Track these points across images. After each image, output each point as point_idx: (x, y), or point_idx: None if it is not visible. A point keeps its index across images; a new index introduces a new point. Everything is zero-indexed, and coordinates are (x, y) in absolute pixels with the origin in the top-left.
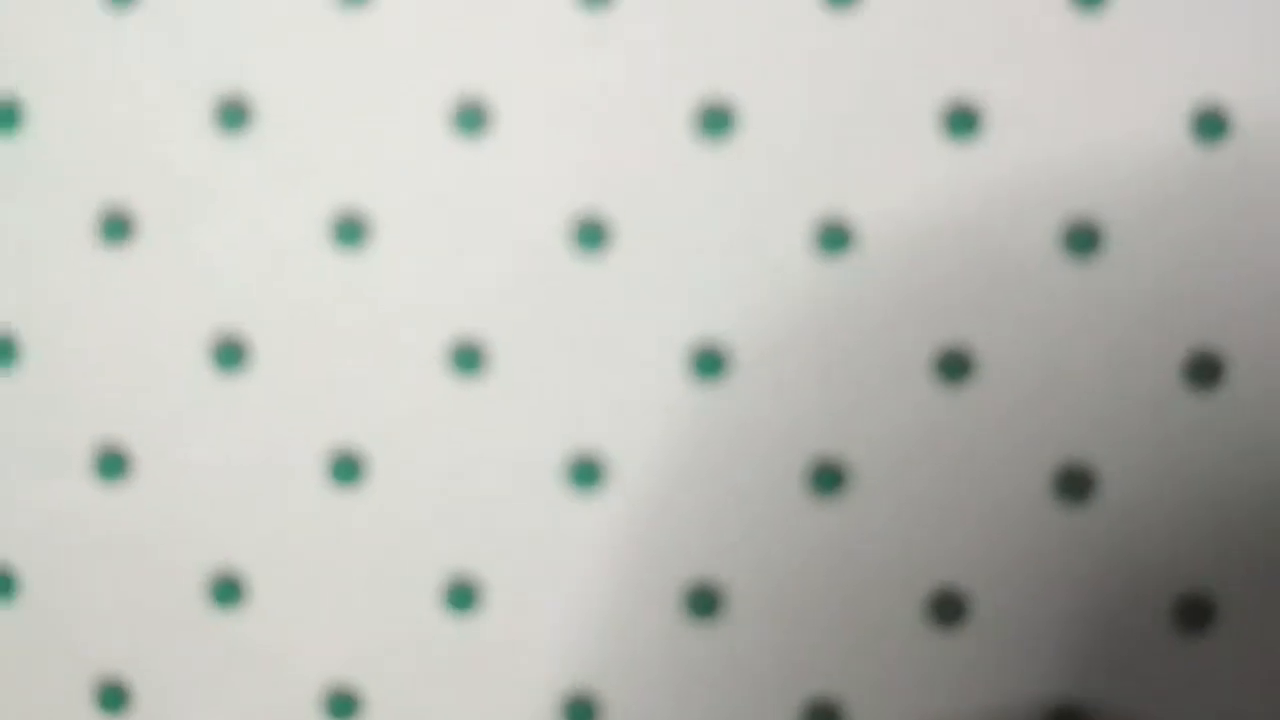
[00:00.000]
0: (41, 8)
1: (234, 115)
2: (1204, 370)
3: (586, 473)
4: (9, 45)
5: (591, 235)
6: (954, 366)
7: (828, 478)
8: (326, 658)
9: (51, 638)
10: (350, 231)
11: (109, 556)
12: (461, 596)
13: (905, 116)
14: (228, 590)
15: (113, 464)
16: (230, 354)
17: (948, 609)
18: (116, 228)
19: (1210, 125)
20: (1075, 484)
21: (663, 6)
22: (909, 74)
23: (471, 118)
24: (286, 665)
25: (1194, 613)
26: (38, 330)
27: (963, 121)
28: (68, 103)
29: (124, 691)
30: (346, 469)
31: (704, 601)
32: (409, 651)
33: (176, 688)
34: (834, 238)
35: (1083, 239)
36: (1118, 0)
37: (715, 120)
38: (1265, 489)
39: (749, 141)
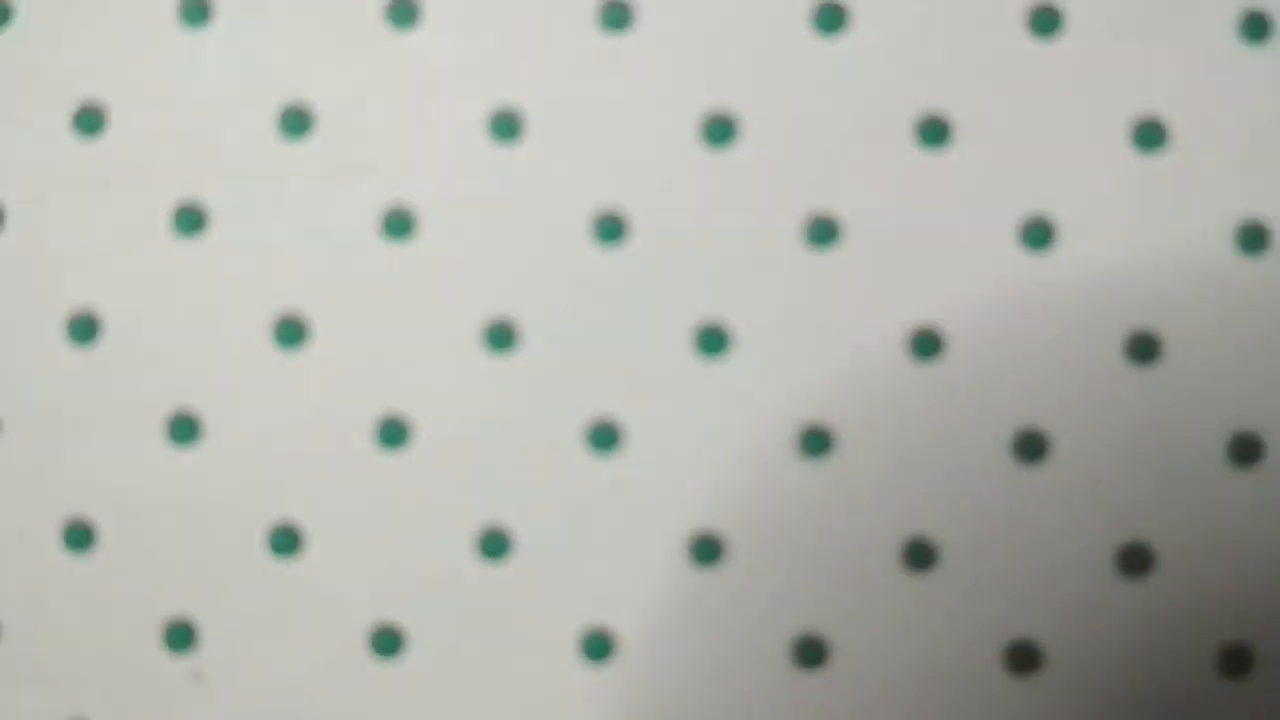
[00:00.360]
0: (125, 25)
1: (295, 122)
2: (1142, 347)
3: (603, 437)
4: (96, 58)
5: (610, 230)
6: (926, 344)
7: (816, 441)
8: (373, 600)
9: (126, 583)
10: (398, 225)
11: (179, 511)
12: (493, 545)
13: (884, 127)
14: (285, 540)
15: (183, 428)
16: (290, 332)
17: (920, 556)
18: (190, 221)
19: (1148, 135)
20: (1031, 447)
21: (673, 31)
22: (888, 90)
23: (505, 126)
24: (337, 607)
25: (1135, 560)
26: (119, 311)
27: (934, 132)
28: (147, 109)
29: (191, 630)
30: (392, 433)
31: (707, 549)
32: (446, 594)
33: (238, 627)
34: (821, 232)
35: (1038, 234)
36: (1069, 29)
37: (718, 130)
38: (1194, 448)
39: (748, 148)
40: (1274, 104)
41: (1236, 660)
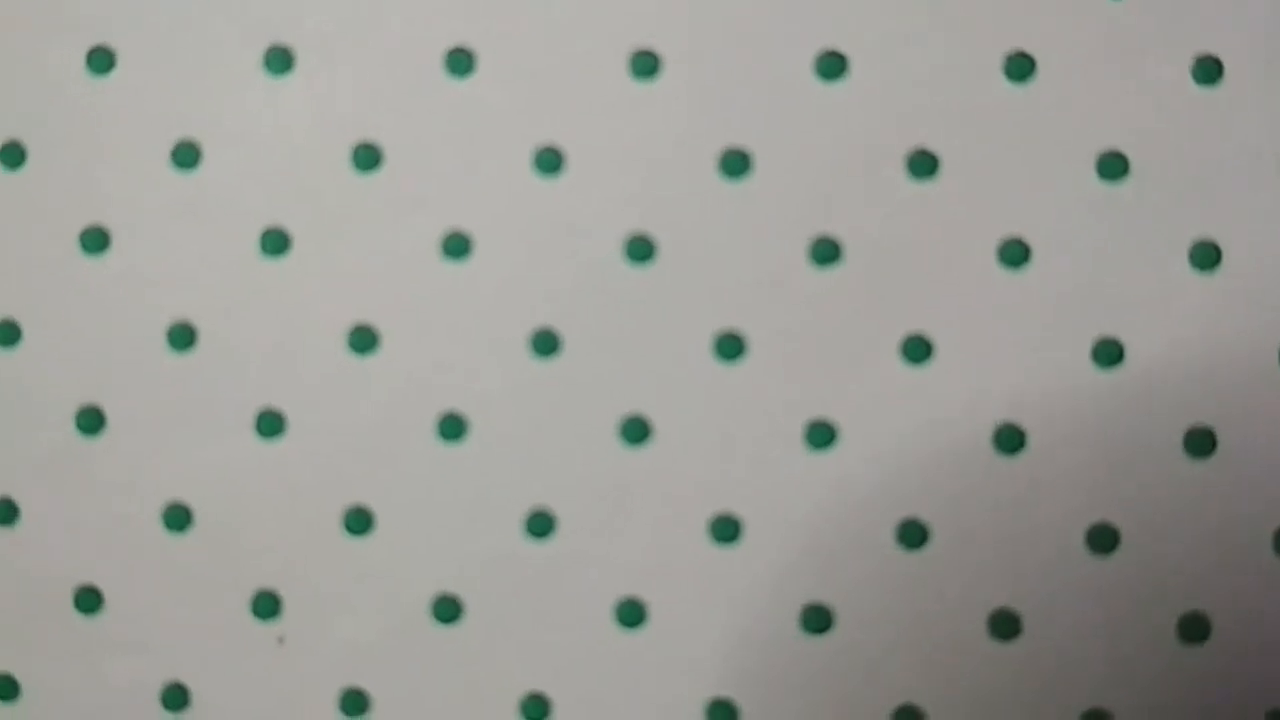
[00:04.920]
0: (217, 73)
1: (366, 158)
2: (1109, 353)
3: (634, 431)
4: (192, 102)
5: (639, 251)
6: (916, 350)
7: (820, 436)
8: (434, 574)
9: (220, 560)
10: (455, 248)
11: (265, 496)
12: (539, 526)
13: (879, 161)
14: (358, 522)
15: (269, 424)
16: (362, 341)
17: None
18: (274, 244)
19: (1111, 166)
20: (1012, 442)
21: (693, 79)
22: (882, 128)
23: (548, 161)
24: (404, 579)
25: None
26: (212, 323)
27: (923, 165)
28: (236, 147)
29: (276, 601)
30: (451, 428)
31: (726, 529)
32: (498, 568)
33: (317, 598)
34: (824, 253)
35: (1014, 253)
36: (1041, 74)
37: (733, 164)
38: (1165, 450)
39: (759, 180)
40: (1222, 139)
41: None
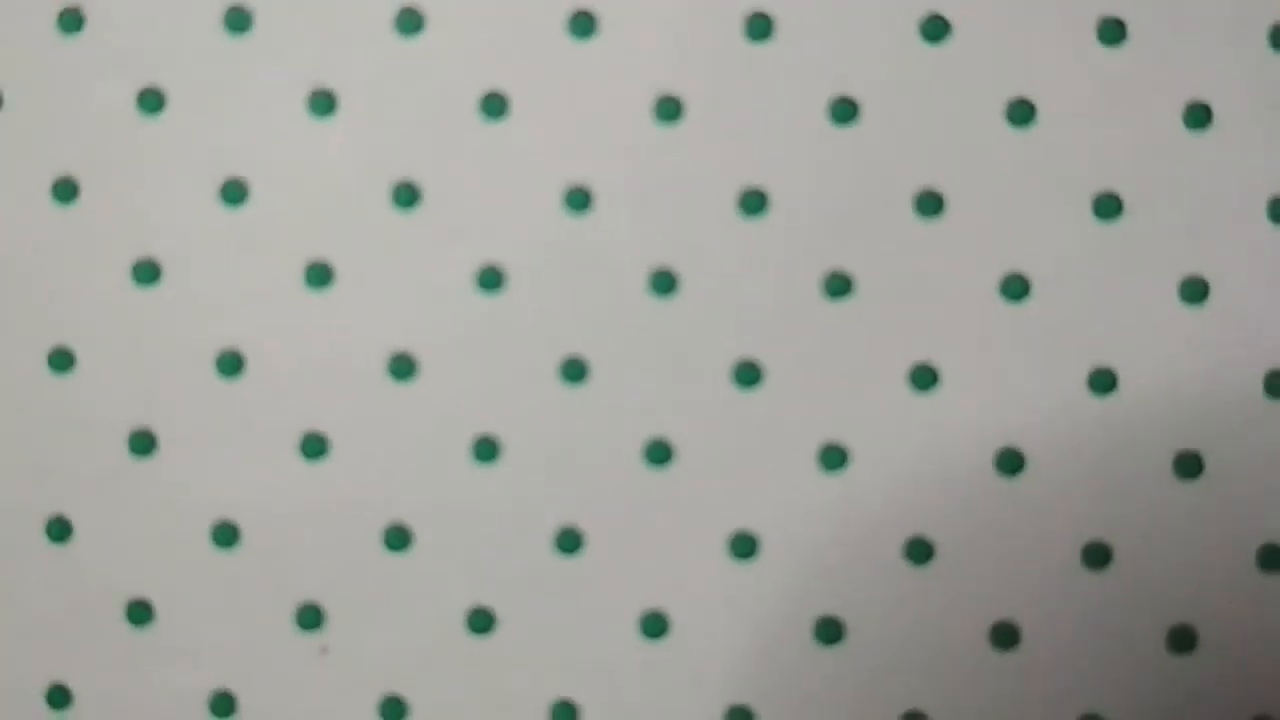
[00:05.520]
0: (264, 114)
1: (405, 195)
2: (1103, 381)
3: (658, 453)
4: (240, 141)
5: (663, 284)
6: (923, 378)
7: (834, 458)
8: (470, 587)
9: (266, 576)
10: (490, 280)
11: (309, 514)
12: (568, 543)
13: (888, 200)
14: (397, 538)
15: (313, 446)
16: (401, 368)
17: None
18: (318, 276)
19: (1106, 206)
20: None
21: (714, 122)
22: (891, 169)
23: (577, 199)
24: (440, 593)
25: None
26: (259, 350)
27: (930, 204)
28: (283, 184)
29: (319, 613)
30: (485, 451)
31: (744, 546)
32: (531, 582)
33: (358, 610)
34: (837, 287)
35: (1016, 289)
36: (1040, 119)
37: (752, 203)
38: (1156, 472)
39: (776, 218)
40: (1212, 181)
41: None
